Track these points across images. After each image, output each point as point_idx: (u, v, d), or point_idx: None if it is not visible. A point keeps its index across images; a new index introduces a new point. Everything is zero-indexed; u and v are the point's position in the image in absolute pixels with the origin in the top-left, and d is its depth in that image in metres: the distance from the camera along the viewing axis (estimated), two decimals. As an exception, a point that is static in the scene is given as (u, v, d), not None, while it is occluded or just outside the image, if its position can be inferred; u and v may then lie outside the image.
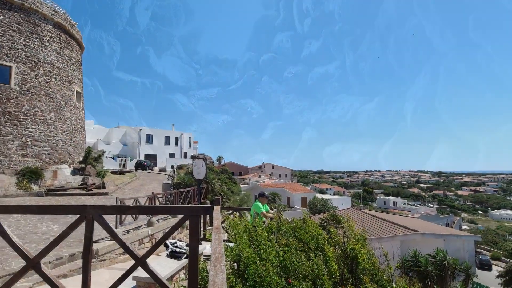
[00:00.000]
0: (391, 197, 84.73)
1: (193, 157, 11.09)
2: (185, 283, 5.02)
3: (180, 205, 9.16)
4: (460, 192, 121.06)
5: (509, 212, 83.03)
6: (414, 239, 16.61)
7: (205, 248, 7.41)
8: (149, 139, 46.02)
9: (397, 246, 15.90)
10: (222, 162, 68.90)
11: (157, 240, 3.75)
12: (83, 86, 23.76)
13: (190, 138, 53.71)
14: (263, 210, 7.12)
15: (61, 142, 19.35)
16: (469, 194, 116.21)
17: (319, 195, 46.82)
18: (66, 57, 20.76)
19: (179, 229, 10.49)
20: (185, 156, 49.27)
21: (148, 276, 2.64)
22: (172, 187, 17.75)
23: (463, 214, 78.86)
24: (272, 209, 7.99)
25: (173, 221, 10.15)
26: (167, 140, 48.52)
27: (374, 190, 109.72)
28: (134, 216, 9.25)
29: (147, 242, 8.83)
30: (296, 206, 40.22)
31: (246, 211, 9.59)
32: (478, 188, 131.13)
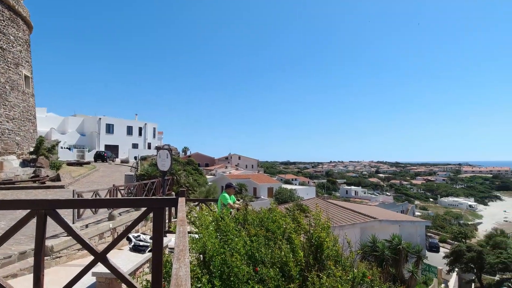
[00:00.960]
0: (352, 187, 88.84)
1: (158, 148, 10.73)
2: (150, 277, 4.89)
3: (143, 197, 8.86)
4: (414, 181, 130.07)
5: (455, 199, 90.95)
6: (373, 226, 17.58)
7: (170, 240, 7.25)
8: (109, 129, 43.70)
9: (357, 232, 16.76)
10: (188, 153, 67.61)
11: (119, 234, 3.58)
12: (32, 70, 21.80)
13: (154, 128, 51.96)
14: (230, 201, 7.09)
15: (7, 131, 17.69)
16: (421, 183, 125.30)
17: (285, 186, 47.90)
18: (11, 37, 18.80)
19: (143, 222, 10.17)
20: (149, 147, 47.63)
21: (109, 271, 2.51)
22: (136, 179, 17.11)
23: (416, 202, 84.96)
24: (238, 200, 7.99)
25: (136, 214, 9.80)
26: (129, 130, 46.44)
27: (337, 180, 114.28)
28: (93, 209, 8.78)
29: (108, 237, 8.45)
30: (262, 197, 40.80)
31: (213, 202, 9.52)
32: (429, 178, 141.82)
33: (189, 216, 5.43)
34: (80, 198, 7.90)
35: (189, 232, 5.67)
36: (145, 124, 49.05)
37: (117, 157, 40.73)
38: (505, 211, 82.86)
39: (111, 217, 8.80)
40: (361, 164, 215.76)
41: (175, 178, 18.41)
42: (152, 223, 2.66)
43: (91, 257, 2.51)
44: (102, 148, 40.39)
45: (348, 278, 3.89)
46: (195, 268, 3.64)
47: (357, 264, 4.77)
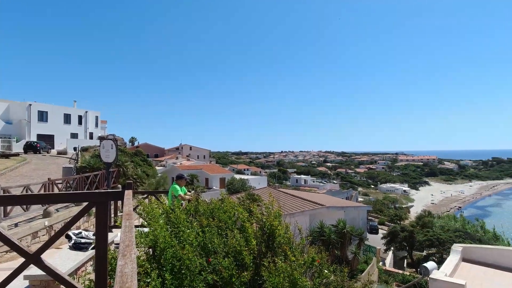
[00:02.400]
0: (302, 176, 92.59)
1: (101, 138, 9.94)
2: (94, 275, 4.54)
3: (84, 191, 8.18)
4: (358, 170, 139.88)
5: (392, 185, 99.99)
6: (320, 212, 18.54)
7: (116, 236, 6.83)
8: (43, 116, 39.28)
9: (307, 219, 17.55)
10: (136, 144, 64.21)
11: (56, 232, 3.24)
12: None
13: (97, 117, 48.13)
14: (181, 193, 6.90)
15: None
16: (364, 171, 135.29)
17: (237, 176, 48.16)
18: None
19: (85, 217, 9.44)
20: (91, 137, 44.10)
21: (44, 273, 2.27)
22: (76, 171, 15.78)
23: (360, 188, 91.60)
24: (190, 191, 7.81)
25: (76, 209, 9.04)
26: (67, 119, 42.31)
27: (288, 170, 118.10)
28: (24, 206, 7.90)
29: (43, 235, 7.68)
30: (214, 187, 40.56)
31: (163, 194, 9.17)
32: (371, 166, 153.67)
33: (138, 210, 5.17)
34: (7, 194, 7.03)
35: (138, 226, 5.39)
36: (86, 112, 45.13)
37: (53, 148, 37.03)
38: (432, 195, 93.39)
39: (46, 214, 8.00)
40: (311, 154, 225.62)
41: (121, 170, 17.36)
42: (95, 219, 2.46)
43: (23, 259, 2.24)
44: (34, 138, 36.27)
45: (300, 262, 4.02)
46: (144, 263, 3.47)
47: (307, 249, 4.96)
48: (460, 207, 77.36)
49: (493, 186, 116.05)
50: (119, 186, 15.46)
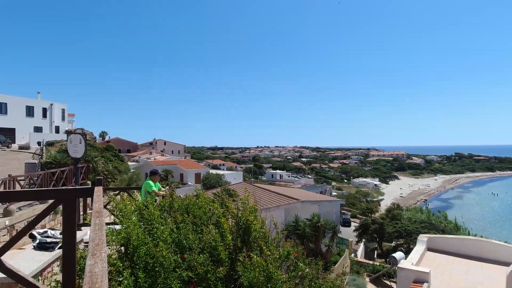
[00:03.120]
0: (278, 171, 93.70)
1: (69, 132, 9.48)
2: (61, 276, 4.32)
3: (49, 188, 7.78)
4: (332, 165, 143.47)
5: (364, 179, 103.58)
6: (295, 207, 18.85)
7: (86, 234, 6.56)
8: (1, 108, 36.73)
9: (282, 213, 17.78)
10: (107, 138, 61.87)
11: (18, 232, 3.04)
12: None
13: (63, 109, 45.66)
14: (155, 188, 6.73)
15: None
16: (338, 166, 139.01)
17: (212, 171, 47.82)
18: None
19: (52, 215, 8.98)
20: (57, 131, 41.83)
21: (4, 275, 2.13)
22: (40, 167, 14.96)
23: (333, 183, 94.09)
24: (164, 187, 7.64)
25: (41, 207, 8.57)
26: (30, 111, 39.76)
27: (264, 165, 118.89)
28: (-17, 204, 7.38)
29: (3, 236, 7.22)
30: (189, 183, 40.04)
31: (136, 191, 8.91)
32: (344, 161, 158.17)
33: (109, 207, 4.98)
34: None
35: (110, 223, 5.20)
36: (51, 104, 42.66)
37: (14, 142, 34.79)
38: (401, 188, 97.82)
39: (7, 213, 7.52)
40: (286, 149, 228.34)
41: (91, 165, 16.67)
42: (62, 217, 2.34)
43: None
44: (-10, 132, 33.91)
45: (276, 257, 4.06)
46: (116, 261, 3.36)
47: (282, 243, 5.02)
48: (426, 200, 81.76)
49: (456, 180, 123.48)
50: (89, 182, 14.85)
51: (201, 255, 3.80)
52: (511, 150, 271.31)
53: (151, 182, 6.78)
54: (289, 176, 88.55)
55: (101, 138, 59.58)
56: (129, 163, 39.46)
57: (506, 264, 10.18)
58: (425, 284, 9.20)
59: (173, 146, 73.40)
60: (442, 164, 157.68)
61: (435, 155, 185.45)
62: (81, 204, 8.48)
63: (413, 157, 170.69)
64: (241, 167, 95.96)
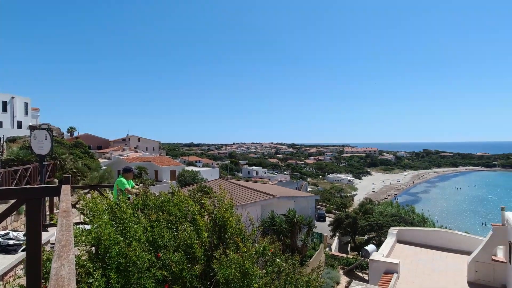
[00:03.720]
0: (254, 167, 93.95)
1: (32, 128, 8.94)
2: (25, 280, 4.07)
3: (12, 187, 7.33)
4: (307, 161, 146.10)
5: (338, 175, 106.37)
6: (272, 203, 19.00)
7: (52, 235, 6.25)
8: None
9: (258, 210, 17.86)
10: (76, 134, 59.10)
11: (-26, 234, 2.83)
12: None
13: (26, 103, 42.86)
14: (128, 186, 6.53)
15: None
16: (313, 162, 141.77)
17: (188, 168, 47.14)
18: None
19: (15, 216, 8.48)
20: (19, 126, 39.34)
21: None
22: (0, 165, 14.05)
23: (309, 179, 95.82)
24: (138, 184, 7.43)
25: (2, 207, 8.05)
26: (-13, 105, 37.18)
27: (240, 161, 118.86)
28: None
29: (-39, 238, 6.72)
30: (164, 180, 39.27)
31: (107, 189, 8.60)
32: (320, 157, 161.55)
33: (78, 206, 4.76)
34: None
35: (79, 223, 4.98)
36: (12, 97, 39.89)
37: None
38: (373, 184, 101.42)
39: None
40: (262, 146, 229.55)
41: (58, 163, 15.89)
42: (26, 217, 2.20)
43: None
44: None
45: (252, 253, 4.07)
46: (85, 263, 3.22)
47: (258, 239, 5.04)
48: (396, 194, 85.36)
49: (423, 175, 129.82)
50: (56, 180, 14.16)
51: (176, 253, 3.73)
52: (473, 146, 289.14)
53: (124, 180, 6.57)
54: (265, 173, 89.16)
55: (69, 134, 56.80)
56: (100, 160, 38.03)
57: (467, 253, 10.86)
58: (395, 275, 9.63)
59: (147, 142, 71.49)
60: (411, 160, 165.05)
61: (405, 152, 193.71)
62: (47, 203, 8.05)
63: (385, 154, 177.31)
64: (218, 164, 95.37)
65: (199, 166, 66.49)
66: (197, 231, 4.37)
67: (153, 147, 71.50)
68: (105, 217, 3.93)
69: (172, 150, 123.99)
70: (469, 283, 9.63)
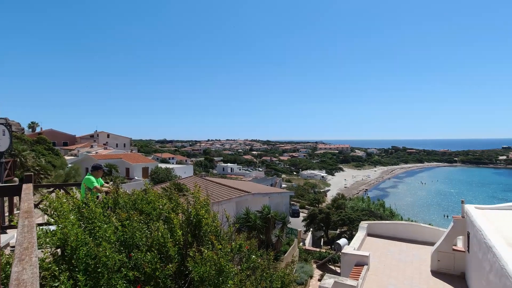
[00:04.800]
0: (229, 164, 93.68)
1: (-10, 122, 8.30)
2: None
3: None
4: (282, 158, 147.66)
5: (312, 171, 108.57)
6: (246, 199, 19.04)
7: (13, 237, 5.86)
8: None
9: (233, 207, 17.84)
10: (38, 130, 55.78)
11: None
12: None
13: (-16, 98, 40.03)
14: (97, 184, 6.26)
15: None
16: (288, 159, 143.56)
17: (161, 165, 46.08)
18: None
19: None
20: (-24, 122, 36.63)
21: None
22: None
23: (283, 175, 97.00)
24: (107, 183, 7.14)
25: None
26: None
27: (215, 158, 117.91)
28: None
29: None
30: (136, 177, 38.15)
31: (74, 187, 8.19)
32: (294, 154, 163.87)
33: (42, 205, 4.50)
34: None
35: (43, 224, 4.70)
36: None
37: None
38: (345, 180, 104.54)
39: None
40: (237, 142, 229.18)
41: (18, 160, 14.92)
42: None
43: None
44: None
45: (227, 250, 4.04)
46: (50, 265, 3.05)
47: (234, 236, 5.02)
48: (366, 190, 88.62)
49: (392, 171, 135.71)
50: (16, 179, 13.30)
51: (149, 253, 3.63)
52: (437, 144, 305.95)
53: (92, 178, 6.29)
54: (240, 169, 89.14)
55: (30, 130, 53.57)
56: (66, 158, 36.27)
57: (431, 244, 11.50)
58: (365, 267, 10.00)
59: (118, 139, 68.97)
60: (381, 157, 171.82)
61: (375, 148, 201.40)
62: (6, 204, 7.53)
63: (356, 150, 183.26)
64: (192, 161, 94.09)
65: (173, 163, 65.26)
66: (171, 229, 4.28)
67: (124, 144, 69.15)
68: (72, 217, 3.74)
69: (145, 147, 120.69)
70: (432, 272, 10.21)
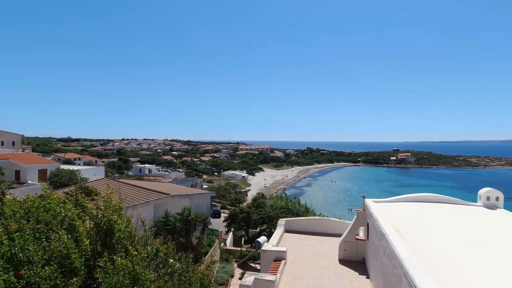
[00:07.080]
0: (146, 165, 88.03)
1: None
2: None
3: None
4: (203, 158, 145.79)
5: (233, 172, 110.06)
6: (166, 202, 18.19)
7: None
8: None
9: (151, 210, 16.82)
10: None
11: None
12: None
13: None
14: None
15: None
16: (209, 159, 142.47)
17: (64, 166, 40.57)
18: None
19: None
20: None
21: None
22: None
23: (204, 176, 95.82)
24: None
25: None
26: None
27: (130, 159, 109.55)
28: None
29: None
30: (30, 181, 32.79)
31: None
32: (215, 154, 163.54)
33: None
34: None
35: None
36: None
37: None
38: (265, 179, 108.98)
39: None
40: (156, 142, 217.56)
41: None
42: None
43: None
44: None
45: (144, 256, 3.76)
46: None
47: (151, 241, 4.71)
48: (284, 188, 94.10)
49: (307, 170, 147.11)
50: None
51: (46, 267, 3.12)
52: (344, 145, 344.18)
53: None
54: (159, 170, 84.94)
55: None
56: None
57: (340, 235, 12.83)
58: (283, 261, 10.57)
59: (3, 136, 57.89)
60: (298, 157, 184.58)
61: (293, 149, 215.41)
62: None
63: (275, 151, 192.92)
64: (103, 162, 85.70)
65: (79, 164, 58.30)
66: (76, 238, 3.79)
67: (13, 142, 58.38)
68: None
69: (42, 146, 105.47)
70: (340, 260, 11.40)
